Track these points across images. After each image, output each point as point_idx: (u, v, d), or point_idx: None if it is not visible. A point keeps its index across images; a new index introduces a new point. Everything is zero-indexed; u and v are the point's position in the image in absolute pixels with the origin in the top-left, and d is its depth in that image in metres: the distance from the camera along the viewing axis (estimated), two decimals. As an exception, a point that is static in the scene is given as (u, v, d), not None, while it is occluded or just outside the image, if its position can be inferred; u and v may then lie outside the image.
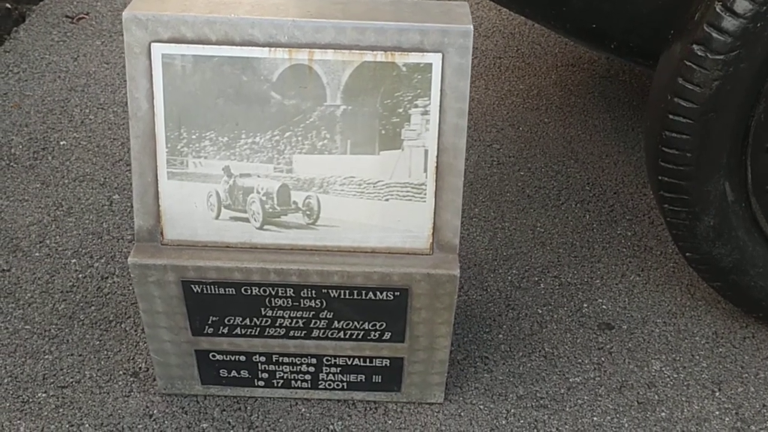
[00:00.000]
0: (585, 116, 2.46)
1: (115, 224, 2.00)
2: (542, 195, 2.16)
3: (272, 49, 1.31)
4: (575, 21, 1.76)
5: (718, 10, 1.39)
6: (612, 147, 2.33)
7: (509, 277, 1.91)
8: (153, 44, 1.31)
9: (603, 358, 1.73)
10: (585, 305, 1.85)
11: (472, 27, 1.30)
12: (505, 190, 2.17)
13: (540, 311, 1.83)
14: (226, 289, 1.42)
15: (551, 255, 1.98)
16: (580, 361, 1.72)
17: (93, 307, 1.78)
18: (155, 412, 1.57)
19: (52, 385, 1.61)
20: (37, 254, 1.91)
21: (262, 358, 1.53)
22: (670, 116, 1.49)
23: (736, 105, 1.46)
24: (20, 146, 2.23)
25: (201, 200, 1.39)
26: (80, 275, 1.86)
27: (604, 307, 1.85)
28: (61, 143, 2.25)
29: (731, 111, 1.47)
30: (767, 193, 1.60)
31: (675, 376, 1.70)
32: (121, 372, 1.65)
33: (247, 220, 1.41)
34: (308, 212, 1.40)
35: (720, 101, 1.45)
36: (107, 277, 1.85)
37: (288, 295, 1.43)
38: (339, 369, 1.55)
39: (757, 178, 1.58)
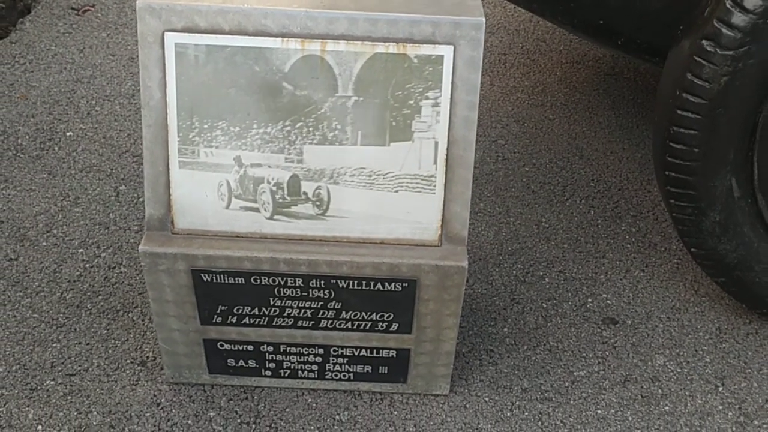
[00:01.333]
0: (590, 113, 2.47)
1: (122, 215, 2.00)
2: (547, 191, 2.17)
3: (285, 39, 1.32)
4: (583, 17, 1.77)
5: (728, 5, 1.40)
6: (616, 144, 2.34)
7: (514, 272, 1.92)
8: (166, 33, 1.32)
9: (607, 353, 1.74)
10: (589, 300, 1.86)
11: (484, 19, 1.31)
12: (510, 185, 2.18)
13: (545, 305, 1.84)
14: (236, 279, 1.43)
15: (556, 250, 1.98)
16: (584, 355, 1.73)
17: (100, 297, 1.79)
18: (163, 400, 1.58)
19: (60, 373, 1.62)
20: (44, 244, 1.91)
21: (270, 348, 1.54)
22: (679, 111, 1.50)
23: (745, 101, 1.47)
24: (27, 137, 2.24)
25: (212, 190, 1.40)
26: (87, 265, 1.86)
27: (608, 301, 1.86)
28: (68, 134, 2.26)
29: (739, 107, 1.48)
30: (773, 190, 1.62)
31: (678, 370, 1.71)
32: (128, 361, 1.65)
33: (257, 209, 1.41)
34: (318, 203, 1.41)
35: (728, 97, 1.46)
36: (114, 267, 1.86)
37: (297, 285, 1.44)
38: (346, 360, 1.56)
39: (764, 174, 1.59)
